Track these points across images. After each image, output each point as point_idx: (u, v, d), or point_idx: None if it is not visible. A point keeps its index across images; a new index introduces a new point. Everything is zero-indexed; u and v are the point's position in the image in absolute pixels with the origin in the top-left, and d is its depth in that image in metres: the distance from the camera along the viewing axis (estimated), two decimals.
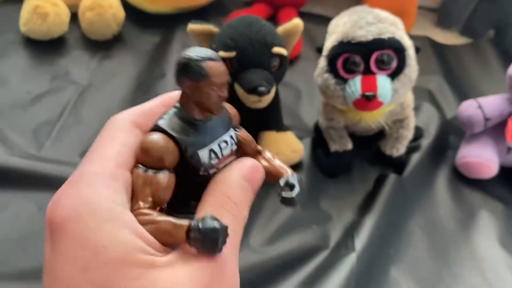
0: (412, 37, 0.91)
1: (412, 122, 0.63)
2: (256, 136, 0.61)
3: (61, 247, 0.22)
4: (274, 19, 0.92)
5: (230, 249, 0.24)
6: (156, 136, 0.25)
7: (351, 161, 0.64)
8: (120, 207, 0.23)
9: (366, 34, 0.54)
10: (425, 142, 0.68)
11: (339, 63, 0.56)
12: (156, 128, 0.25)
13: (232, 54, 0.52)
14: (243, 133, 0.29)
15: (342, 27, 0.56)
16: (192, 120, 0.26)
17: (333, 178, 0.63)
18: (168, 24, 0.85)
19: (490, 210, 0.61)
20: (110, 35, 0.78)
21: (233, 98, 0.55)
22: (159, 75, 0.74)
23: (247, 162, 0.27)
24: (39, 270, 0.23)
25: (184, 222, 0.23)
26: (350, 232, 0.56)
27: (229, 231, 0.23)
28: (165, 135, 0.25)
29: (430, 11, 1.01)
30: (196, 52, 0.25)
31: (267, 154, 0.30)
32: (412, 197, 0.62)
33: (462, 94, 0.79)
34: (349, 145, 0.63)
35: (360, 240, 0.55)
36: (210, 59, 0.25)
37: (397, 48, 0.54)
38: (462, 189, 0.64)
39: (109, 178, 0.24)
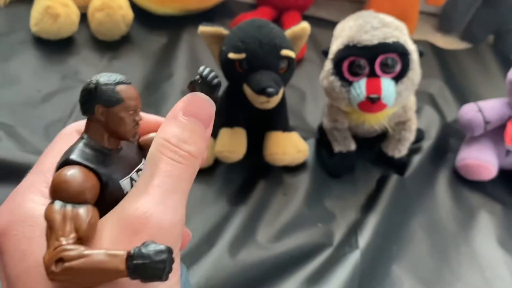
0: (413, 41, 0.94)
1: (414, 124, 0.65)
2: (263, 136, 0.62)
3: (4, 257, 0.23)
4: (278, 22, 0.93)
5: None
6: (73, 171, 0.23)
7: (354, 162, 0.66)
8: None
9: (371, 38, 0.56)
10: (426, 144, 0.70)
11: (345, 66, 0.57)
12: (70, 162, 0.23)
13: (242, 55, 0.54)
14: (146, 138, 0.28)
15: (348, 31, 0.58)
16: (105, 150, 0.24)
17: (337, 178, 0.65)
18: (175, 25, 0.86)
19: (489, 211, 0.63)
20: (118, 35, 0.79)
21: (242, 98, 0.56)
22: (167, 76, 0.76)
23: (189, 97, 0.26)
24: None
25: (121, 251, 0.20)
26: (353, 230, 0.58)
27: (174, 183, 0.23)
28: (83, 168, 0.23)
29: (431, 16, 1.02)
30: (105, 76, 0.24)
31: None
32: (413, 197, 0.64)
33: (462, 97, 0.81)
34: (353, 146, 0.65)
35: (364, 238, 0.56)
36: (122, 82, 0.24)
37: (401, 52, 0.56)
38: (462, 190, 0.66)
39: (44, 185, 0.24)
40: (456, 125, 0.74)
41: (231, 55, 0.54)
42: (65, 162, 0.23)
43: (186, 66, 0.78)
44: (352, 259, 0.54)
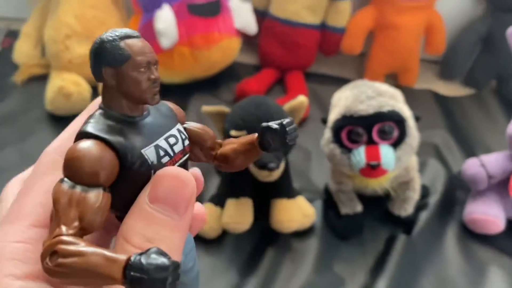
0: (415, 91, 0.96)
1: (417, 184, 0.66)
2: (268, 203, 0.64)
3: None
4: (282, 82, 0.97)
5: None
6: (87, 144, 0.20)
7: (362, 223, 0.67)
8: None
9: (367, 108, 0.58)
10: (433, 199, 0.71)
11: (343, 134, 0.59)
12: (84, 135, 0.21)
13: (243, 133, 0.56)
14: (197, 125, 0.25)
15: (344, 101, 0.60)
16: (126, 118, 0.21)
17: (345, 240, 0.66)
18: (183, 93, 0.90)
19: (500, 265, 0.63)
20: None
21: (245, 169, 0.58)
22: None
23: (155, 177, 0.21)
24: None
25: (121, 256, 0.18)
26: None
27: None
28: (98, 141, 0.20)
29: (432, 64, 1.05)
30: (110, 32, 0.21)
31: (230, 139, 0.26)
32: (422, 256, 0.64)
33: (467, 146, 0.82)
34: (359, 208, 0.66)
35: None
36: (127, 36, 0.21)
37: (397, 120, 0.58)
38: (471, 245, 0.66)
39: (24, 243, 0.21)
40: (462, 176, 0.74)
41: (233, 133, 0.57)
42: (80, 135, 0.21)
43: None
44: None
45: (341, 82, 0.98)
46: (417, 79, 0.99)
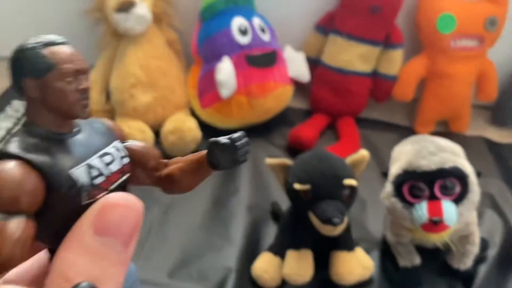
0: (467, 138, 0.96)
1: (477, 238, 0.66)
2: (327, 255, 0.65)
3: None
4: (333, 127, 0.99)
5: None
6: (7, 166, 0.18)
7: (421, 276, 0.67)
8: None
9: (429, 163, 0.59)
10: (491, 252, 0.70)
11: (405, 189, 0.61)
12: (4, 156, 0.18)
13: (307, 187, 0.58)
14: (138, 143, 0.23)
15: (405, 155, 0.62)
16: (53, 135, 0.19)
17: None
18: None
19: None
20: (189, 152, 0.87)
21: (307, 221, 0.60)
22: (233, 191, 0.81)
23: (101, 205, 0.18)
24: None
25: None
26: None
27: None
28: (20, 162, 0.18)
29: (483, 109, 1.04)
30: (33, 39, 0.19)
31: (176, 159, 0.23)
32: None
33: None
34: (417, 260, 0.67)
35: None
36: (52, 43, 0.19)
37: (460, 176, 0.59)
38: None
39: None
40: None
41: (297, 186, 0.59)
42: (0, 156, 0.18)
43: (251, 181, 0.83)
44: None
45: (392, 127, 1.00)
46: (468, 125, 0.99)
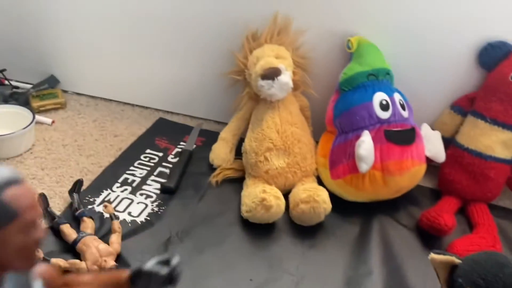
0: None
1: None
2: None
3: None
4: (463, 211, 0.94)
5: None
6: None
7: None
8: None
9: None
10: None
11: None
12: None
13: None
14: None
15: None
16: None
17: None
18: (364, 211, 0.90)
19: None
20: (316, 223, 0.85)
21: None
22: (365, 273, 0.78)
23: None
24: None
25: None
26: None
27: None
28: None
29: None
30: None
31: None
32: None
33: None
34: None
35: None
36: (9, 182, 0.16)
37: None
38: None
39: None
40: None
41: None
42: None
43: (383, 262, 0.80)
44: None
45: None
46: None
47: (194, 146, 1.07)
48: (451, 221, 0.84)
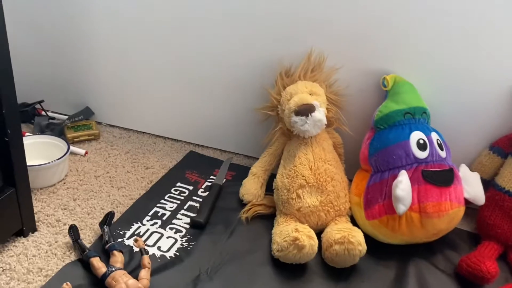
0: None
1: None
2: None
3: None
4: (504, 257, 0.89)
5: None
6: None
7: None
8: None
9: None
10: None
11: None
12: None
13: None
14: None
15: None
16: None
17: None
18: (400, 255, 0.87)
19: None
20: (350, 265, 0.82)
21: None
22: None
23: None
24: None
25: None
26: None
27: None
28: None
29: None
30: None
31: None
32: None
33: None
34: None
35: None
36: None
37: None
38: None
39: None
40: None
41: None
42: None
43: None
44: None
45: None
46: None
47: (224, 180, 1.06)
48: (494, 268, 0.80)
